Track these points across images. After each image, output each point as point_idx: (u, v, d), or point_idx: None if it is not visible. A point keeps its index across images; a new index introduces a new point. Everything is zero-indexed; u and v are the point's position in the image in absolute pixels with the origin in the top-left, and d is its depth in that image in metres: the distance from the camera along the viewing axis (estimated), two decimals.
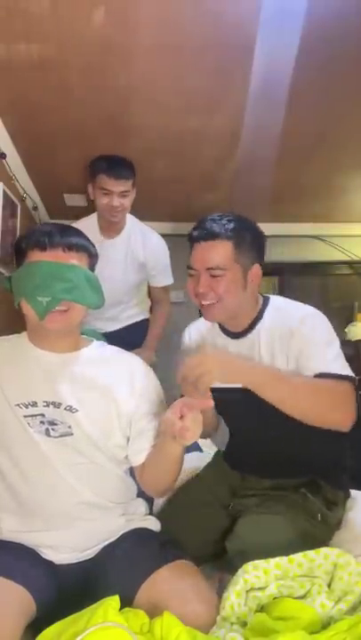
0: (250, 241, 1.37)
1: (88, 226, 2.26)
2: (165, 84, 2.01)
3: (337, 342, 1.38)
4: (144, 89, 2.03)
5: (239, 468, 1.55)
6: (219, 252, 1.34)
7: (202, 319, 1.54)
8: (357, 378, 1.55)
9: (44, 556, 1.19)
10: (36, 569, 1.13)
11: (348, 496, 1.51)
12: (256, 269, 1.39)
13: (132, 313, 2.55)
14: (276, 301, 1.47)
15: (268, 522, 1.34)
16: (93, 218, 2.37)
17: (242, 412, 1.44)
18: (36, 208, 3.12)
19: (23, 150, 2.53)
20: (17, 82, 1.96)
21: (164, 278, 2.46)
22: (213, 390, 1.31)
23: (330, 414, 1.28)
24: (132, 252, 2.35)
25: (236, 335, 1.45)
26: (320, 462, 1.45)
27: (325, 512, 1.39)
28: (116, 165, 2.16)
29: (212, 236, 1.34)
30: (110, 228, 2.33)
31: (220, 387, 1.38)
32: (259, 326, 1.42)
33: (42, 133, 2.36)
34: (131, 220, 2.37)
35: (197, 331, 1.58)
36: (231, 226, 1.35)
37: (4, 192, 2.41)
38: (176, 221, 2.65)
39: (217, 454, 1.69)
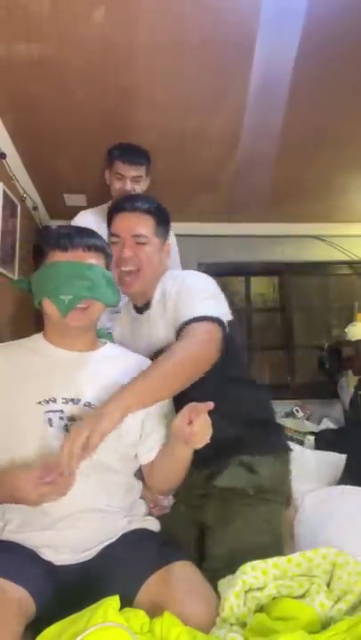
0: (165, 220, 1.50)
1: (101, 213, 2.33)
2: (165, 84, 2.01)
3: (210, 288, 1.42)
4: (144, 88, 2.03)
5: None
6: (145, 223, 1.46)
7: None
8: (357, 378, 1.56)
9: (43, 556, 1.19)
10: (35, 569, 1.13)
11: (281, 450, 1.44)
12: (167, 246, 1.52)
13: None
14: (170, 273, 1.51)
15: (229, 535, 1.30)
16: (104, 206, 2.41)
17: None
18: (36, 208, 3.12)
19: (23, 150, 2.53)
20: (17, 81, 1.96)
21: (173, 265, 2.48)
22: None
23: (200, 367, 1.29)
24: None
25: (140, 310, 1.52)
26: (245, 434, 1.38)
27: (256, 484, 1.33)
28: (131, 151, 2.26)
29: (139, 209, 1.46)
30: None
31: None
32: (153, 300, 1.48)
33: (42, 133, 2.36)
34: None
35: (124, 309, 1.66)
36: (154, 205, 1.49)
37: (4, 192, 2.41)
38: (175, 221, 2.65)
39: None
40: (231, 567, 1.13)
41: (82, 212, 2.48)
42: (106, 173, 2.34)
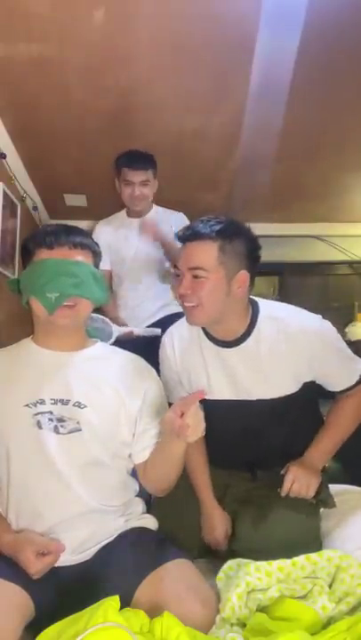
0: (238, 245, 1.31)
1: (118, 216, 2.54)
2: (165, 84, 2.01)
3: (340, 341, 1.44)
4: (144, 89, 2.03)
5: (221, 465, 1.54)
6: (203, 252, 1.28)
7: (183, 324, 1.46)
8: None
9: None
10: None
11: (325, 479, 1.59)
12: (242, 276, 1.31)
13: (160, 304, 2.49)
14: (267, 308, 1.42)
15: (270, 517, 1.38)
16: (122, 212, 2.55)
17: (235, 420, 1.45)
18: (36, 208, 3.12)
19: (23, 150, 2.53)
20: (17, 81, 1.96)
21: None
22: (208, 401, 1.35)
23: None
24: (158, 225, 2.43)
25: (227, 344, 1.38)
26: (304, 452, 1.49)
27: (321, 499, 1.45)
28: (136, 158, 2.33)
29: (198, 236, 1.29)
30: (135, 212, 2.48)
31: (217, 399, 1.42)
32: (254, 335, 1.37)
33: (42, 133, 2.36)
34: (155, 206, 2.52)
35: (180, 338, 1.48)
36: (218, 227, 1.29)
37: (4, 192, 2.41)
38: None
39: None
40: (267, 552, 1.25)
41: (99, 224, 2.56)
42: (116, 182, 2.43)
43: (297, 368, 1.37)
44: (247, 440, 1.47)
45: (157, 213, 2.49)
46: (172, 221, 2.44)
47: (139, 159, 2.32)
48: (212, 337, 1.40)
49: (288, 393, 1.39)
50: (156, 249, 2.46)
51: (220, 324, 1.37)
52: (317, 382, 1.44)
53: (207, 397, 1.34)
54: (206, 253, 1.28)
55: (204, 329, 1.42)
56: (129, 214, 2.50)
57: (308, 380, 1.40)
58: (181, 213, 2.49)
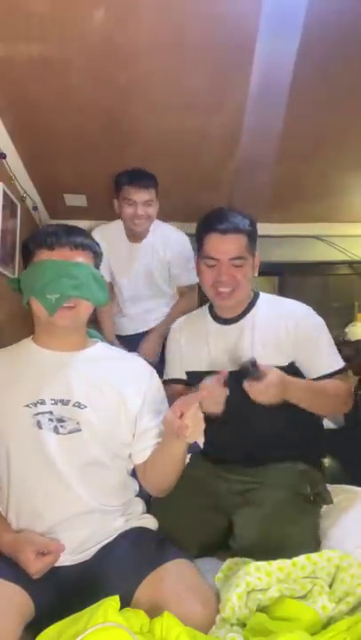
0: (255, 234, 1.56)
1: (116, 229, 2.43)
2: (165, 84, 2.00)
3: (328, 334, 1.57)
4: (144, 89, 2.03)
5: (222, 459, 1.55)
6: (240, 244, 1.50)
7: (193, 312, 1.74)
8: (357, 378, 1.59)
9: None
10: None
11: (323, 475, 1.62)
12: (257, 258, 1.58)
13: (158, 315, 2.54)
14: (266, 295, 1.66)
15: (269, 516, 1.38)
16: (120, 223, 2.44)
17: (232, 395, 1.45)
18: (36, 208, 3.12)
19: (23, 150, 2.53)
20: (17, 81, 1.96)
21: (188, 277, 2.40)
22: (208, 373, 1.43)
23: (338, 408, 1.55)
24: (157, 253, 2.42)
25: (226, 321, 1.59)
26: (301, 445, 1.53)
27: (318, 492, 1.48)
28: (138, 176, 2.27)
29: (237, 230, 1.50)
30: (135, 235, 2.41)
31: (216, 370, 1.46)
32: (252, 313, 1.57)
33: (42, 133, 2.36)
34: (154, 223, 2.43)
35: (190, 320, 1.73)
36: (248, 222, 1.54)
37: (4, 192, 2.41)
38: (176, 221, 2.66)
39: (194, 455, 1.67)
40: (265, 549, 1.24)
41: (94, 233, 2.44)
42: (115, 203, 2.35)
43: (286, 341, 1.50)
44: (239, 417, 1.45)
45: (154, 236, 2.42)
46: (173, 243, 2.40)
47: (142, 176, 2.26)
48: (218, 317, 1.62)
49: (276, 364, 1.45)
50: (158, 273, 2.45)
51: (235, 306, 1.57)
52: (296, 364, 1.51)
53: (207, 369, 1.55)
54: (242, 245, 1.51)
55: (211, 312, 1.64)
56: (128, 237, 2.43)
57: (292, 358, 1.51)
58: (178, 234, 2.44)
